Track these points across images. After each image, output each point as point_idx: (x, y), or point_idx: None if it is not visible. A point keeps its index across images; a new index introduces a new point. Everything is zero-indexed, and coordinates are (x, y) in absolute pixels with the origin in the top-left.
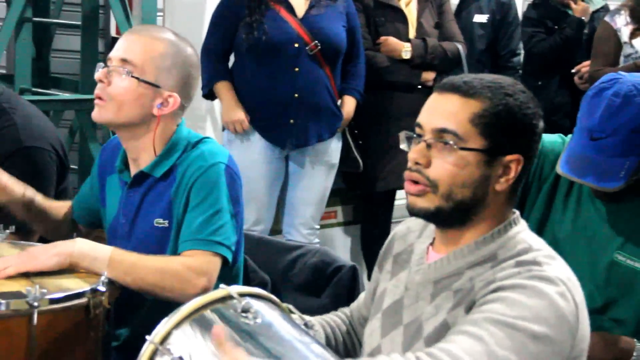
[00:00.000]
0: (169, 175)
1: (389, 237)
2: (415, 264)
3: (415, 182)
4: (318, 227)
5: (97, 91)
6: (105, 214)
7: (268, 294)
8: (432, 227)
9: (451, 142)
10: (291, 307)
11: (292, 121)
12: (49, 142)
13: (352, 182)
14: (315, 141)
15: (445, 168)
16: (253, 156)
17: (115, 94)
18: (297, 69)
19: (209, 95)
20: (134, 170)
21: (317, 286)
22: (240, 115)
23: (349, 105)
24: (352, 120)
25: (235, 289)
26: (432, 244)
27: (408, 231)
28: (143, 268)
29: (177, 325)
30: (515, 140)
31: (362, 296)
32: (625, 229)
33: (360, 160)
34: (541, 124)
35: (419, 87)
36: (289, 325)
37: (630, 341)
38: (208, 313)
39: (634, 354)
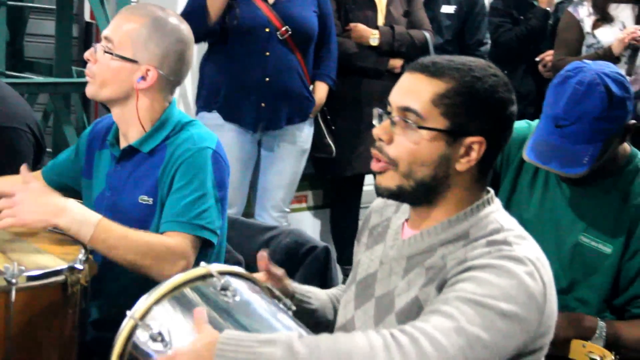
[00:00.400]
0: (157, 153)
1: (368, 210)
2: (391, 239)
3: (379, 160)
4: (288, 210)
5: (86, 69)
6: (90, 187)
7: (247, 272)
8: None
9: (411, 121)
10: (270, 286)
11: (263, 104)
12: (26, 123)
13: (322, 167)
14: (285, 124)
15: (405, 146)
16: (225, 140)
17: (96, 71)
18: (267, 54)
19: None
20: (123, 145)
21: (290, 266)
22: None
23: (320, 91)
24: (324, 105)
25: (215, 267)
26: (407, 220)
27: (385, 205)
28: (125, 246)
29: (157, 301)
30: (478, 122)
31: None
32: (589, 212)
33: (333, 146)
34: (512, 108)
35: (387, 73)
36: (267, 304)
37: (594, 319)
38: (188, 290)
39: (597, 331)
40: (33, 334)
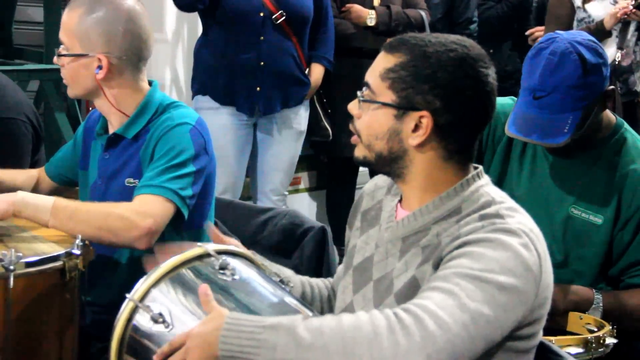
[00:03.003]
0: (141, 137)
1: (359, 194)
2: (385, 222)
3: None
4: (286, 193)
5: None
6: (86, 178)
7: (243, 251)
8: None
9: (366, 95)
10: (266, 263)
11: (258, 88)
12: (24, 113)
13: (320, 148)
14: (280, 108)
15: (363, 120)
16: (221, 124)
17: (63, 74)
18: (262, 38)
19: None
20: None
21: (287, 248)
22: None
23: (316, 73)
24: (320, 88)
25: (212, 247)
26: (400, 201)
27: (376, 188)
28: (87, 212)
29: (156, 283)
30: (424, 97)
31: (340, 268)
32: (578, 184)
33: (329, 129)
34: (472, 86)
35: None
36: (265, 281)
37: (589, 291)
38: (186, 271)
39: (594, 303)
40: (32, 320)
